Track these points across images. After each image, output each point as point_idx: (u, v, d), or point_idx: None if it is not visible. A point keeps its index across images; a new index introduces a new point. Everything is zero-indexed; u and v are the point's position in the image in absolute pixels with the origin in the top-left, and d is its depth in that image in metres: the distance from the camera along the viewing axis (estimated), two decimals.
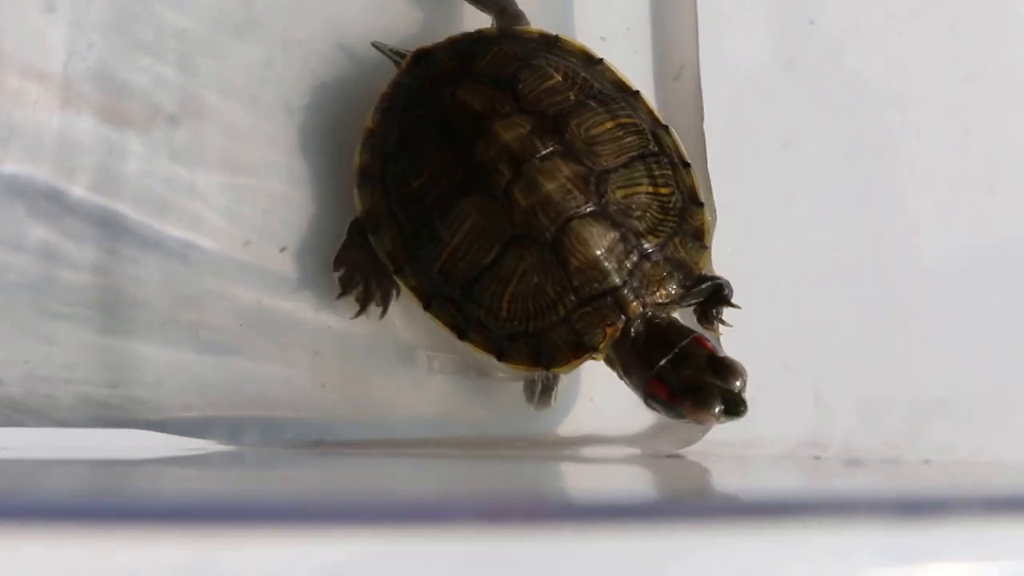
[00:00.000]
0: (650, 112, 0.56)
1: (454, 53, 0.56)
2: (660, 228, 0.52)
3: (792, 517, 0.35)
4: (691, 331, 0.51)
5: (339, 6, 0.60)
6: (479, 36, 0.57)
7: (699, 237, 0.53)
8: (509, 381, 0.58)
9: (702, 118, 0.61)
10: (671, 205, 0.53)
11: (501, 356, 0.53)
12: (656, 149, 0.54)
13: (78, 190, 0.57)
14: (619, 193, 0.52)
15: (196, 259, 0.57)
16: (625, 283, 0.51)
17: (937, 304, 0.57)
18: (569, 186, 0.51)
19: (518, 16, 0.58)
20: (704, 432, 0.60)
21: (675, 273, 0.52)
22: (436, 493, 0.47)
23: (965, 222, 0.58)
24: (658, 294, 0.51)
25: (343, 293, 0.58)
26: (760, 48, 0.61)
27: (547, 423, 0.61)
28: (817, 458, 0.57)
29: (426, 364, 0.60)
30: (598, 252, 0.51)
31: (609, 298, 0.51)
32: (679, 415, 0.50)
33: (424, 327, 0.57)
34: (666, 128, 0.55)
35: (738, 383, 0.49)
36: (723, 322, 0.54)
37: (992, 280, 0.58)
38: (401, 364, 0.60)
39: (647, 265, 0.51)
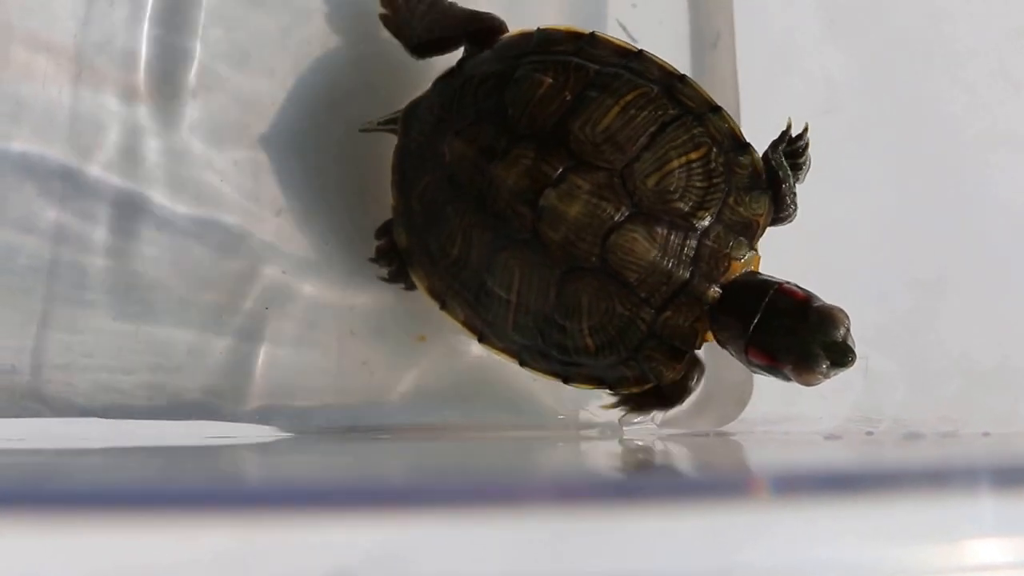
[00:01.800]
0: (660, 67, 0.51)
1: (437, 100, 0.52)
2: (708, 198, 0.48)
3: (835, 492, 0.33)
4: (773, 282, 0.47)
5: None
6: (458, 69, 0.52)
7: (756, 183, 0.49)
8: None
9: (738, 87, 0.58)
10: (712, 165, 0.49)
11: (612, 387, 0.51)
12: (675, 111, 0.49)
13: (90, 168, 0.54)
14: (650, 181, 0.48)
15: (216, 239, 0.55)
16: (693, 273, 0.48)
17: (991, 267, 0.55)
18: (594, 200, 0.48)
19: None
20: (740, 409, 0.58)
21: (741, 237, 0.48)
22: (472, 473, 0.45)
23: (1018, 181, 0.56)
24: (731, 268, 0.48)
25: (375, 260, 0.55)
26: (800, 8, 0.59)
27: (581, 406, 0.59)
28: (870, 434, 0.55)
29: (459, 347, 0.58)
30: (651, 256, 0.47)
31: (682, 296, 0.48)
32: (786, 378, 0.47)
33: None
34: (682, 78, 0.50)
35: (840, 331, 0.45)
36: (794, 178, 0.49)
37: None
38: (432, 346, 0.58)
39: (707, 243, 0.48)
